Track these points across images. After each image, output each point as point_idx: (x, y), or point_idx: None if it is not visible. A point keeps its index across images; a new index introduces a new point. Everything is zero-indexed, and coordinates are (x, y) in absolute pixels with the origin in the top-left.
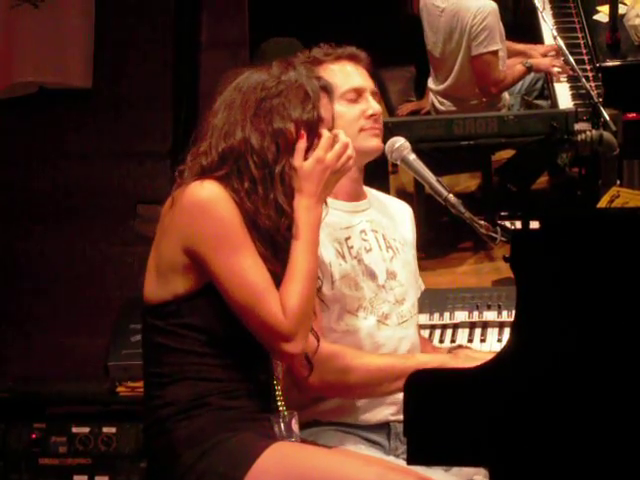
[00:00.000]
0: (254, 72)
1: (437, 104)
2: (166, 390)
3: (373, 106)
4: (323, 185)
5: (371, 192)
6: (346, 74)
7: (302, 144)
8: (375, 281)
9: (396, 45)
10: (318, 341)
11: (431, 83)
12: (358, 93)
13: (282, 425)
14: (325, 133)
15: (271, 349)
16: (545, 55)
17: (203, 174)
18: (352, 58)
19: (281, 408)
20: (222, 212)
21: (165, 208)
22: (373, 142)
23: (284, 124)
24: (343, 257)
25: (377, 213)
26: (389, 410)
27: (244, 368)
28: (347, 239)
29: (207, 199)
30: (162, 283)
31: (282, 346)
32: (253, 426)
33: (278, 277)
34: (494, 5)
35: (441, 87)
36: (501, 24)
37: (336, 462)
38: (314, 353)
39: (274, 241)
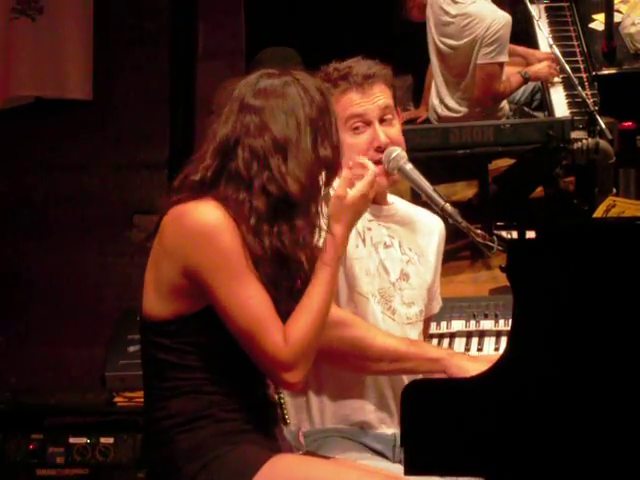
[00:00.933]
0: (249, 82)
1: (440, 110)
2: (168, 402)
3: (379, 137)
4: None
5: (397, 203)
6: (350, 104)
7: (347, 174)
8: (388, 276)
9: (393, 54)
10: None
11: (440, 87)
12: (364, 122)
13: (288, 436)
14: (370, 167)
15: (271, 377)
16: (541, 61)
17: (202, 190)
18: (360, 85)
19: (288, 421)
20: (226, 241)
21: (165, 223)
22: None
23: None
24: (364, 241)
25: (395, 223)
26: (396, 427)
27: (245, 383)
28: (369, 229)
29: (212, 227)
30: (163, 302)
31: (282, 375)
32: (254, 438)
33: (278, 302)
34: (509, 18)
35: (457, 88)
36: (509, 38)
37: (335, 475)
38: None
39: (275, 266)
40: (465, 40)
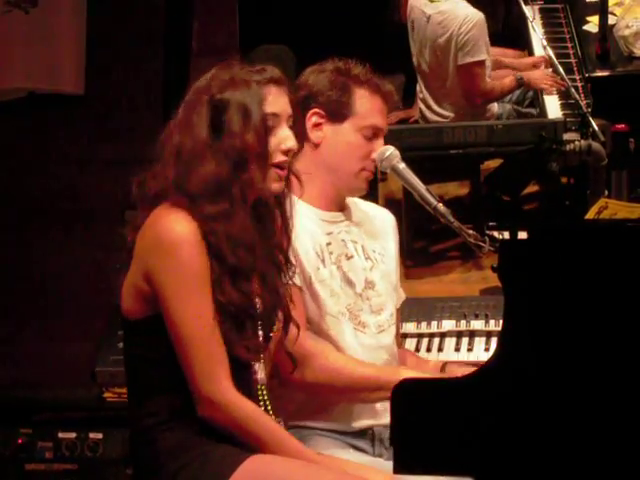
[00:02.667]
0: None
1: (428, 114)
2: (149, 401)
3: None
4: None
5: (353, 201)
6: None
7: None
8: (353, 289)
9: (385, 53)
10: (299, 330)
11: (422, 93)
12: (375, 133)
13: None
14: None
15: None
16: (534, 66)
17: (169, 193)
18: (385, 96)
19: (271, 414)
20: (187, 256)
21: (140, 228)
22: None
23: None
24: (323, 262)
25: (355, 225)
26: (371, 419)
27: None
28: (328, 244)
29: (176, 239)
30: (133, 302)
31: (201, 407)
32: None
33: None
34: (481, 15)
35: (438, 94)
36: (487, 35)
37: (314, 474)
38: (294, 342)
39: (237, 271)
40: (442, 39)
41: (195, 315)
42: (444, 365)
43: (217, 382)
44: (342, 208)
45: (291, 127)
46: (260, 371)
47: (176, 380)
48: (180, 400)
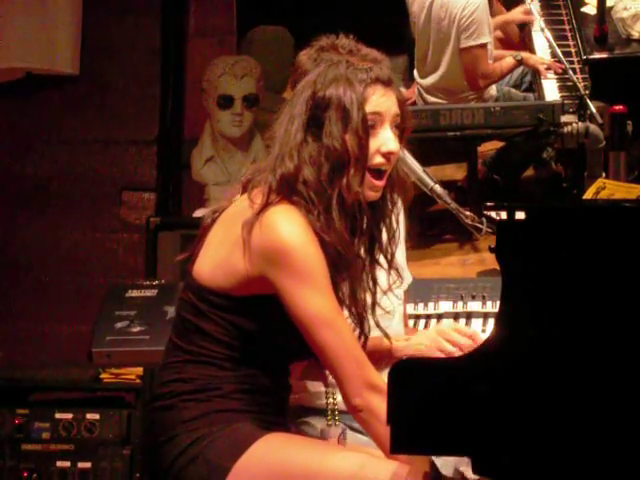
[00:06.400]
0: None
1: (426, 96)
2: (185, 366)
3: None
4: None
5: None
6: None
7: None
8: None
9: (386, 35)
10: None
11: (418, 77)
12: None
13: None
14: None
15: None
16: (526, 13)
17: (279, 190)
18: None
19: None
20: (310, 256)
21: (252, 222)
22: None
23: (332, 142)
24: None
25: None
26: None
27: (266, 368)
28: None
29: (296, 243)
30: (217, 277)
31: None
32: (254, 420)
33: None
34: None
35: (430, 80)
36: (490, 16)
37: (318, 454)
38: None
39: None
40: (444, 22)
41: (330, 307)
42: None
43: (370, 367)
44: None
45: (397, 128)
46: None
47: (220, 355)
48: (216, 375)
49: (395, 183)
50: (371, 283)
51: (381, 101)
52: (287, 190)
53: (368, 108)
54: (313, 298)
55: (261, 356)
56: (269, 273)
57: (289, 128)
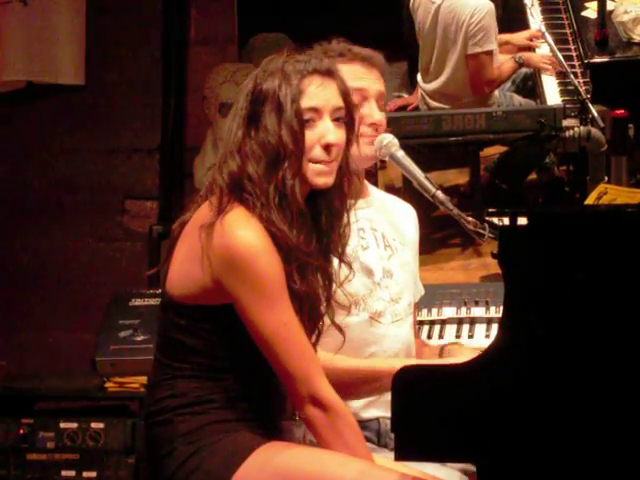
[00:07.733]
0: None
1: (430, 101)
2: (175, 382)
3: (374, 115)
4: None
5: (374, 192)
6: (355, 76)
7: None
8: (371, 277)
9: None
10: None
11: (421, 82)
12: (363, 97)
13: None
14: None
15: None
16: (530, 40)
17: (230, 190)
18: (365, 60)
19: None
20: (265, 266)
21: (205, 232)
22: (369, 150)
23: (267, 136)
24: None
25: (376, 213)
26: (380, 410)
27: (256, 374)
28: None
29: (251, 251)
30: (187, 291)
31: (301, 403)
32: (252, 428)
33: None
34: (491, 5)
35: (434, 85)
36: (496, 24)
37: (317, 462)
38: None
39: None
40: (451, 28)
41: (283, 322)
42: (443, 348)
43: (319, 381)
44: (360, 195)
45: (341, 119)
46: None
47: (207, 367)
48: (207, 386)
49: (345, 174)
50: (324, 277)
51: (318, 91)
52: (237, 189)
53: (305, 100)
54: (266, 312)
55: (246, 362)
56: (226, 282)
57: (231, 125)
